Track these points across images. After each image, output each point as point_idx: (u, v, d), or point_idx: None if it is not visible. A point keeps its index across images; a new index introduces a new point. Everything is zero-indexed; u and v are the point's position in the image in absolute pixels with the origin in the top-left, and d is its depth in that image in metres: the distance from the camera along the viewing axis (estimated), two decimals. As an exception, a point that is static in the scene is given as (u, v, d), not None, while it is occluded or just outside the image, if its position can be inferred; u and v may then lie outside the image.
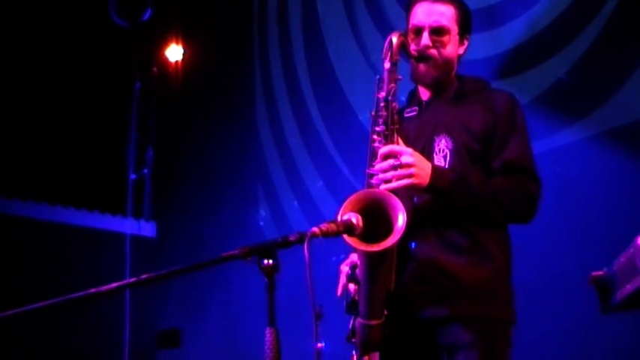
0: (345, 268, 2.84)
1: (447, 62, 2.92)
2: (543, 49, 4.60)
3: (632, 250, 2.34)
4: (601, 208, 4.20)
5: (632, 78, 4.20)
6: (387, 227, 2.49)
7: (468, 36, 3.00)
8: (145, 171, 7.27)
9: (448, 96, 2.97)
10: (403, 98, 3.09)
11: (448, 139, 2.84)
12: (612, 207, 4.15)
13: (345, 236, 2.43)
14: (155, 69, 7.39)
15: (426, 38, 2.88)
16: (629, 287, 2.38)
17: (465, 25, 2.98)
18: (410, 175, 2.65)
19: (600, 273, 2.59)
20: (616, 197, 4.17)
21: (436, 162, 2.80)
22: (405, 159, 2.66)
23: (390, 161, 2.67)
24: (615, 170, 4.22)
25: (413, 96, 3.07)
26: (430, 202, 2.77)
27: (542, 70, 4.59)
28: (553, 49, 4.54)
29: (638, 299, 2.40)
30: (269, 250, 2.15)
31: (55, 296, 2.23)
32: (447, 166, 2.80)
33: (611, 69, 4.31)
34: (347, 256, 2.87)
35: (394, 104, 2.79)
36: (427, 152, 2.82)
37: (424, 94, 3.01)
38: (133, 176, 7.13)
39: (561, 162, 4.37)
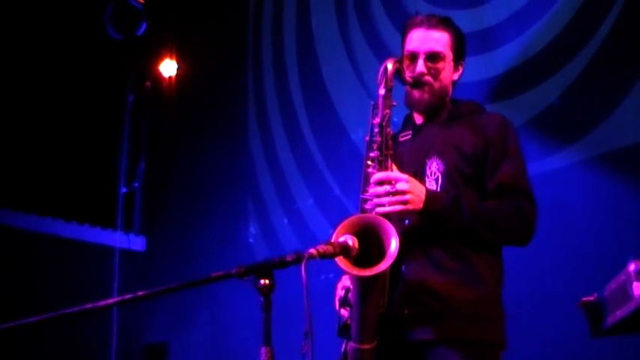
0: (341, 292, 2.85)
1: (441, 89, 2.95)
2: (536, 73, 4.64)
3: (623, 276, 2.35)
4: (592, 232, 4.21)
5: (624, 103, 4.23)
6: (380, 252, 2.50)
7: (462, 62, 3.03)
8: (136, 184, 7.26)
9: (441, 119, 2.99)
10: (396, 119, 3.11)
11: (439, 161, 2.85)
12: (604, 231, 4.16)
13: (338, 261, 2.44)
14: (148, 83, 7.41)
15: (421, 65, 2.91)
16: (619, 313, 2.39)
17: (460, 52, 3.01)
18: (404, 202, 2.67)
19: (591, 298, 2.60)
20: (607, 221, 4.18)
21: (428, 185, 2.81)
22: (400, 186, 2.68)
23: (386, 187, 2.69)
24: (607, 194, 4.23)
25: (408, 120, 3.10)
26: (420, 224, 2.77)
27: (535, 94, 4.62)
28: (545, 74, 4.58)
29: (629, 325, 2.42)
30: (266, 270, 2.15)
31: (43, 308, 2.22)
32: (438, 189, 2.81)
33: (602, 94, 4.34)
34: (339, 277, 2.87)
35: (388, 130, 2.81)
36: (419, 175, 2.84)
37: (418, 118, 3.03)
38: (123, 189, 7.13)
39: (553, 185, 4.38)
